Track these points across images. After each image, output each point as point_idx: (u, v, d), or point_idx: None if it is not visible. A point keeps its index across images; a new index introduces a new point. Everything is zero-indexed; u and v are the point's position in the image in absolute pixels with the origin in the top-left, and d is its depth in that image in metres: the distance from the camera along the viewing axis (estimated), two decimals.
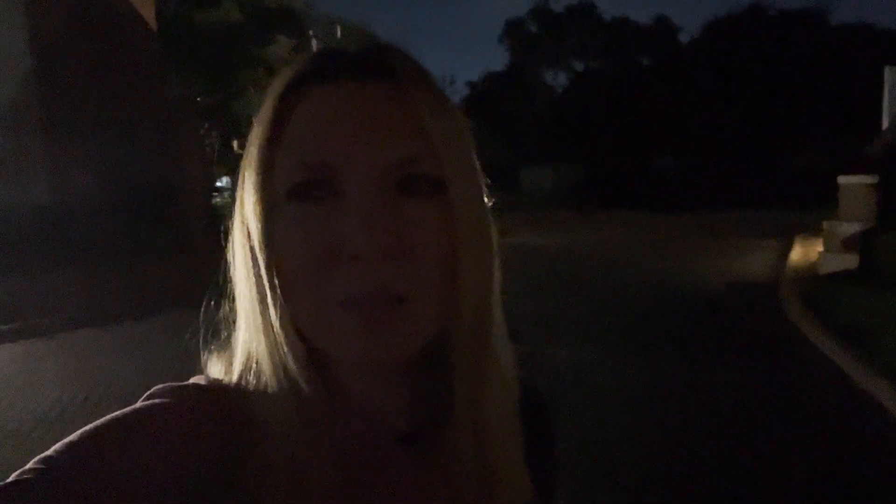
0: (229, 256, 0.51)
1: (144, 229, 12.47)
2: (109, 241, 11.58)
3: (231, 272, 0.51)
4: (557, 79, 42.46)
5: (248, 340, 0.49)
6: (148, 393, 0.47)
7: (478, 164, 0.50)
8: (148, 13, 15.06)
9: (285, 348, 0.46)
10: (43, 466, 0.40)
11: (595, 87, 37.07)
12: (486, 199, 0.50)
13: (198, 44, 15.00)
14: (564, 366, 5.38)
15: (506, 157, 33.68)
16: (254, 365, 0.48)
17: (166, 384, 0.48)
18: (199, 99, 15.73)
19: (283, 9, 16.54)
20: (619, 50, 39.39)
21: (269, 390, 0.47)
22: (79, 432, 0.42)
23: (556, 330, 6.63)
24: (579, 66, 41.19)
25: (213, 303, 0.53)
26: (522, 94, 38.95)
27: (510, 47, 42.27)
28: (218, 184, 20.38)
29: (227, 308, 0.52)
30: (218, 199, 20.44)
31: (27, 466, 0.40)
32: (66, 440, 0.42)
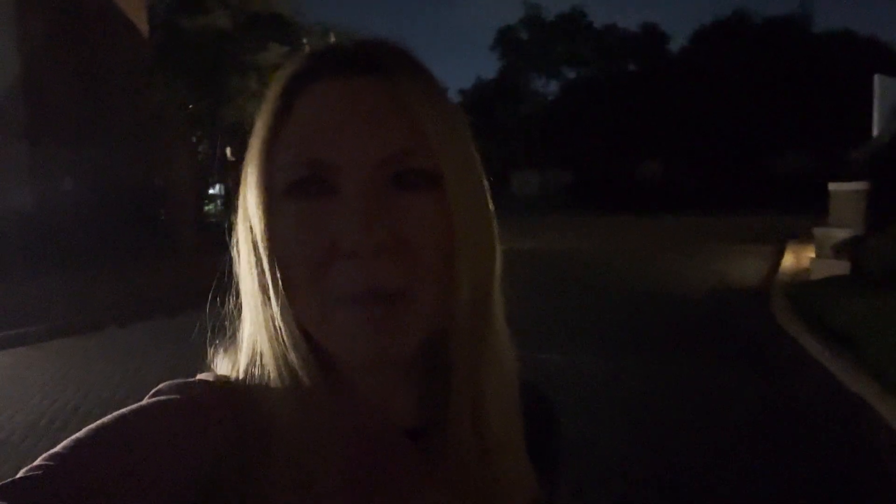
0: (233, 252, 0.51)
1: (131, 236, 12.39)
2: (96, 248, 11.48)
3: (235, 267, 0.51)
4: (548, 86, 42.74)
5: (252, 335, 0.50)
6: (155, 389, 0.47)
7: (476, 156, 0.50)
8: (139, 19, 15.00)
9: (287, 343, 0.47)
10: (51, 463, 0.40)
11: (584, 93, 37.35)
12: (486, 192, 0.50)
13: (188, 50, 14.94)
14: (555, 370, 5.37)
15: (495, 162, 33.83)
16: (258, 359, 0.49)
17: (173, 381, 0.48)
18: (190, 106, 15.65)
19: (274, 16, 16.51)
20: (608, 57, 39.73)
21: (273, 385, 0.47)
22: (86, 429, 0.42)
23: (546, 334, 6.62)
24: (570, 73, 41.50)
25: (218, 299, 0.54)
26: (513, 101, 39.17)
27: (501, 55, 42.53)
28: (210, 191, 20.27)
29: (231, 303, 0.53)
30: (210, 207, 20.31)
31: (35, 463, 0.40)
32: (74, 437, 0.42)
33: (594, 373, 5.41)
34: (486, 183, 0.51)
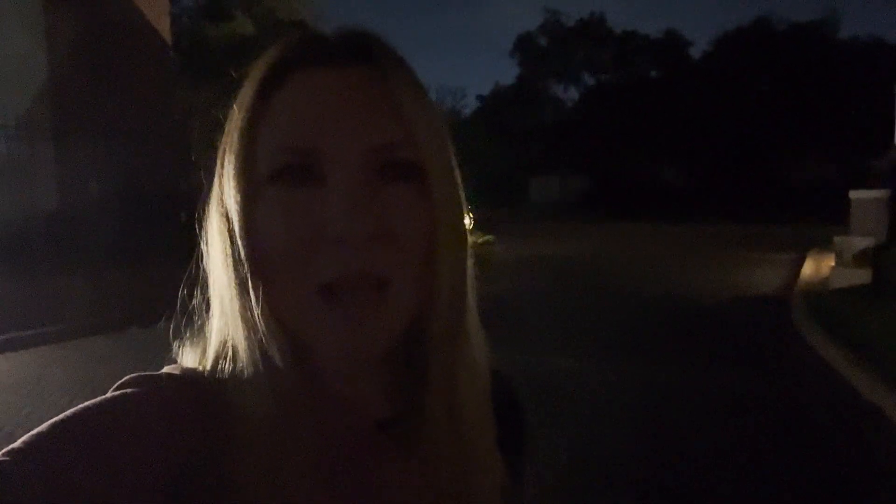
0: (202, 245, 0.50)
1: (154, 236, 12.56)
2: (119, 248, 11.65)
3: (204, 260, 0.50)
4: (567, 92, 42.58)
5: (222, 328, 0.49)
6: (119, 382, 0.46)
7: (453, 151, 0.50)
8: (162, 26, 15.25)
9: (265, 335, 0.46)
10: (9, 458, 0.38)
11: (604, 99, 37.13)
12: (461, 189, 0.50)
13: (211, 58, 15.16)
14: (566, 374, 5.36)
15: (514, 167, 33.73)
16: (229, 352, 0.48)
17: (138, 373, 0.47)
18: (212, 111, 15.87)
19: (296, 22, 16.71)
20: (628, 63, 39.46)
21: (247, 377, 0.46)
22: (48, 423, 0.41)
23: (561, 338, 6.61)
24: (589, 80, 41.29)
25: (185, 291, 0.53)
26: (532, 107, 39.06)
27: (520, 61, 42.46)
28: None
29: (199, 296, 0.52)
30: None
31: None
32: (35, 431, 0.40)
33: (604, 378, 5.38)
34: (459, 176, 0.51)
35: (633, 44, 39.88)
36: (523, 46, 42.08)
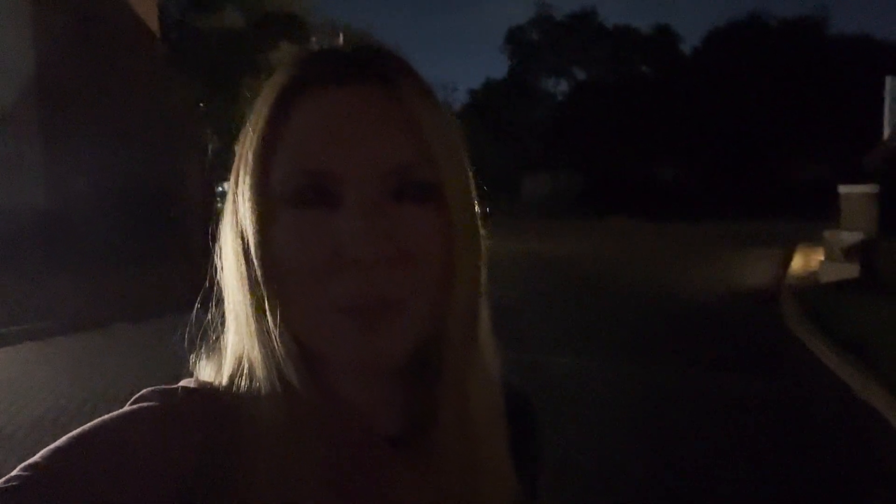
0: (217, 261, 0.50)
1: (143, 233, 12.48)
2: (108, 245, 11.58)
3: (219, 276, 0.50)
4: (558, 86, 42.59)
5: (238, 343, 0.49)
6: (136, 396, 0.47)
7: (469, 169, 0.50)
8: (151, 19, 15.11)
9: (281, 352, 0.46)
10: (28, 473, 0.39)
11: (595, 94, 37.20)
12: (476, 203, 0.50)
13: (200, 50, 15.03)
14: (564, 373, 5.36)
15: (506, 163, 33.72)
16: (245, 368, 0.48)
17: (155, 387, 0.48)
18: (200, 105, 15.75)
19: (286, 15, 16.59)
20: (620, 58, 39.54)
21: (263, 393, 0.47)
22: (66, 437, 0.42)
23: (556, 337, 6.61)
24: (580, 74, 41.35)
25: (200, 306, 0.53)
26: (523, 102, 39.07)
27: (511, 55, 42.45)
28: (219, 189, 20.40)
29: (214, 311, 0.52)
30: (220, 205, 20.45)
31: (13, 473, 0.39)
32: (53, 445, 0.41)
33: (601, 376, 5.39)
34: (475, 193, 0.51)
35: (625, 39, 39.95)
36: (514, 40, 42.07)
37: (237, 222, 0.48)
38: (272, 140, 0.46)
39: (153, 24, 15.20)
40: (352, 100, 0.46)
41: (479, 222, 0.50)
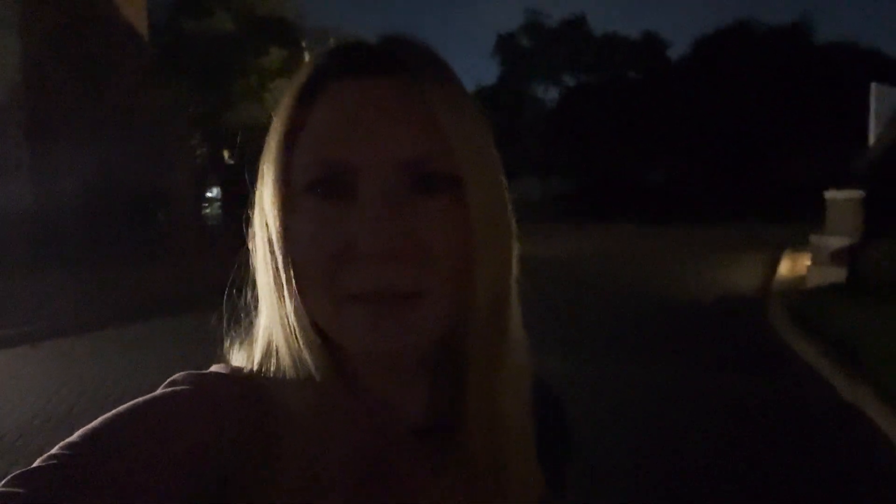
0: (250, 243, 0.51)
1: (130, 236, 12.41)
2: (94, 248, 11.50)
3: (252, 260, 0.51)
4: (548, 93, 42.76)
5: (268, 327, 0.50)
6: (169, 380, 0.48)
7: (497, 159, 0.50)
8: (139, 22, 15.06)
9: (299, 338, 0.47)
10: (68, 452, 0.40)
11: (585, 100, 37.36)
12: (505, 195, 0.50)
13: (189, 53, 14.97)
14: (553, 375, 5.36)
15: None
16: (274, 353, 0.49)
17: (188, 371, 0.49)
18: (189, 109, 15.68)
19: (276, 19, 16.55)
20: (609, 64, 39.77)
21: (289, 378, 0.48)
22: (100, 419, 0.43)
23: (547, 340, 6.62)
24: (570, 80, 41.54)
25: (235, 290, 0.54)
26: (513, 108, 39.18)
27: (502, 61, 42.56)
28: (208, 194, 20.27)
29: (248, 295, 0.53)
30: (208, 209, 20.29)
31: (52, 451, 0.40)
32: (89, 426, 0.42)
33: (593, 378, 5.40)
34: (505, 185, 0.51)
35: (614, 45, 40.18)
36: (505, 46, 42.19)
37: (263, 210, 0.49)
38: (295, 130, 0.47)
39: (142, 28, 15.14)
40: (372, 91, 0.46)
41: (510, 217, 0.51)
